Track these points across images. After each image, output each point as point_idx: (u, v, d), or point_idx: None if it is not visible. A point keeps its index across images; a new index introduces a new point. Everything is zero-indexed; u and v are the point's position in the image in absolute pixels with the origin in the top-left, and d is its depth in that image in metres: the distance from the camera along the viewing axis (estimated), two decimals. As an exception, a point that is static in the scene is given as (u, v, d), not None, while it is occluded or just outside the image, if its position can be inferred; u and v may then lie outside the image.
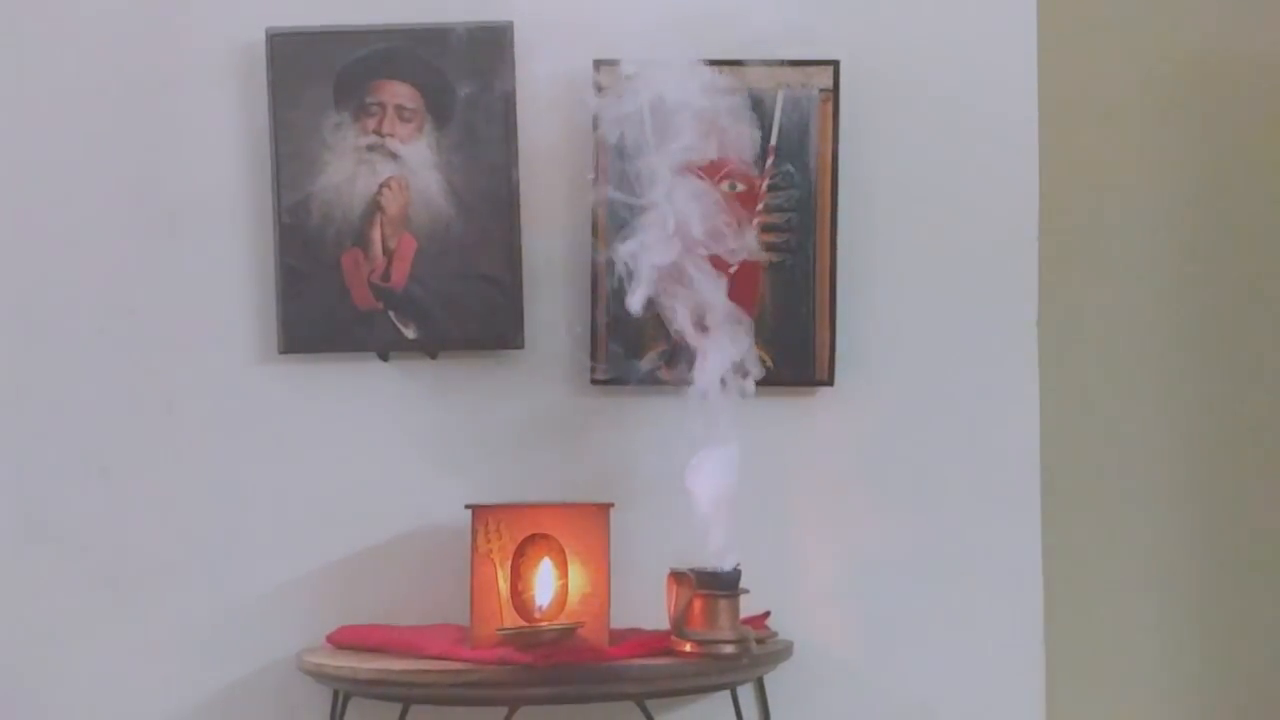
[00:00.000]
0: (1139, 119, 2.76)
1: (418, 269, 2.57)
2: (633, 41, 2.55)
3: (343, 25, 2.59)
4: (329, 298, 2.58)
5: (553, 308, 2.60)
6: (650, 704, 2.35)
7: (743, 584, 2.40)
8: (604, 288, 2.56)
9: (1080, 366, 2.73)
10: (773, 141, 2.57)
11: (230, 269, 2.62)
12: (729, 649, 2.35)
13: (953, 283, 2.61)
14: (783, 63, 2.57)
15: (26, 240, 2.64)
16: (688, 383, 2.47)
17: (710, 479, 2.42)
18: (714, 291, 2.48)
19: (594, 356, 2.58)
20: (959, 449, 2.59)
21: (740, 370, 2.46)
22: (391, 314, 2.58)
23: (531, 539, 2.39)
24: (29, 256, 2.63)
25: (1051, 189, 2.64)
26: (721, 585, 2.37)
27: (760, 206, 2.57)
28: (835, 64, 2.57)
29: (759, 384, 2.54)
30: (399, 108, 2.58)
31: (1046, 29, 2.62)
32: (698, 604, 2.36)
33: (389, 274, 2.58)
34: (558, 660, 2.30)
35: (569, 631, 2.33)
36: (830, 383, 2.57)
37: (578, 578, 2.38)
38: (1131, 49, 2.76)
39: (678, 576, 2.37)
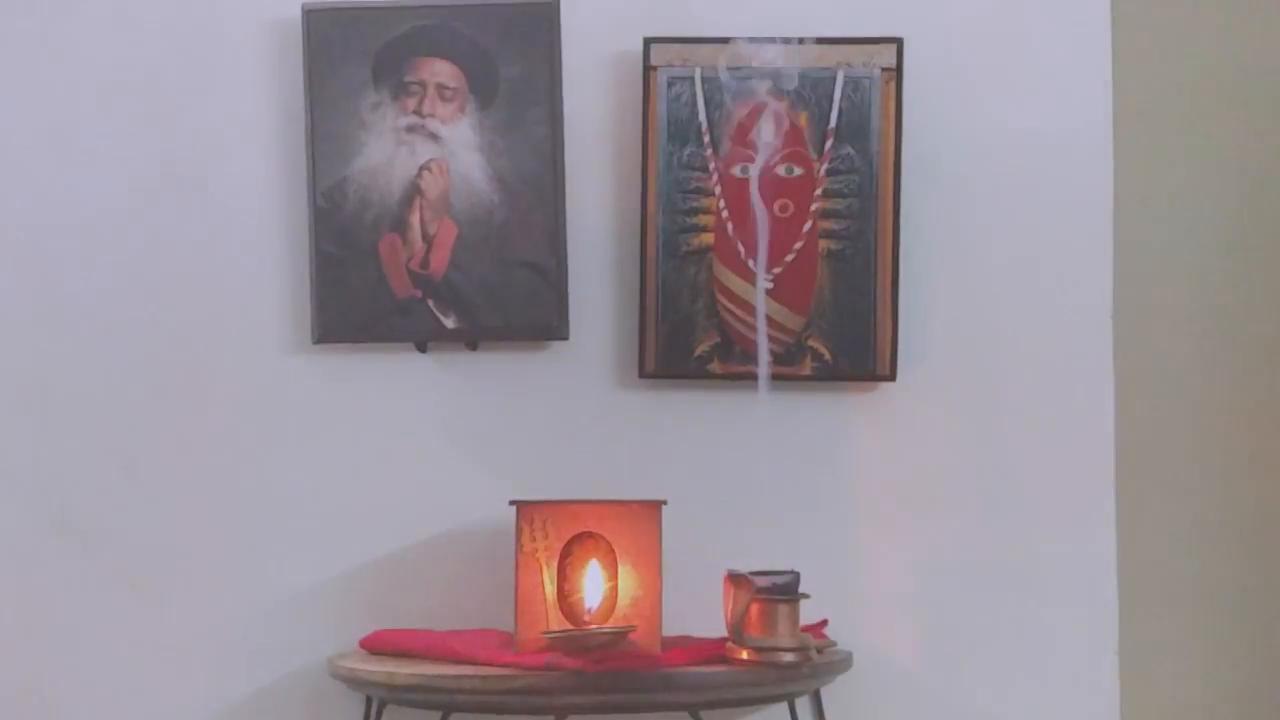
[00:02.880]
0: (1219, 101, 2.68)
1: (458, 256, 2.52)
2: (684, 19, 2.53)
3: (382, 1, 2.54)
4: (365, 285, 2.52)
5: (599, 297, 2.55)
6: (704, 714, 2.29)
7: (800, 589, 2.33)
8: (653, 276, 2.50)
9: (1158, 360, 2.64)
10: (832, 123, 2.51)
11: (262, 255, 2.57)
12: (789, 657, 2.29)
13: (1022, 272, 2.54)
14: (843, 40, 2.51)
15: (51, 224, 2.59)
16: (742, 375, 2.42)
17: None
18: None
19: (642, 348, 2.52)
20: (1028, 448, 2.52)
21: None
22: (430, 303, 2.52)
23: (579, 538, 2.34)
24: (53, 241, 2.59)
25: (1127, 172, 2.58)
26: (781, 590, 2.30)
27: (818, 192, 2.50)
28: (899, 41, 2.51)
29: (817, 379, 2.50)
30: (440, 87, 2.52)
31: (1121, 4, 2.56)
32: (756, 609, 2.30)
33: (428, 261, 2.52)
34: (609, 666, 2.24)
35: (621, 636, 2.28)
36: (892, 377, 2.51)
37: (628, 579, 2.33)
38: (1210, 26, 2.66)
39: (735, 579, 2.31)
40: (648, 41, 2.51)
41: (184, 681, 2.52)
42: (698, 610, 2.40)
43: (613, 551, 2.32)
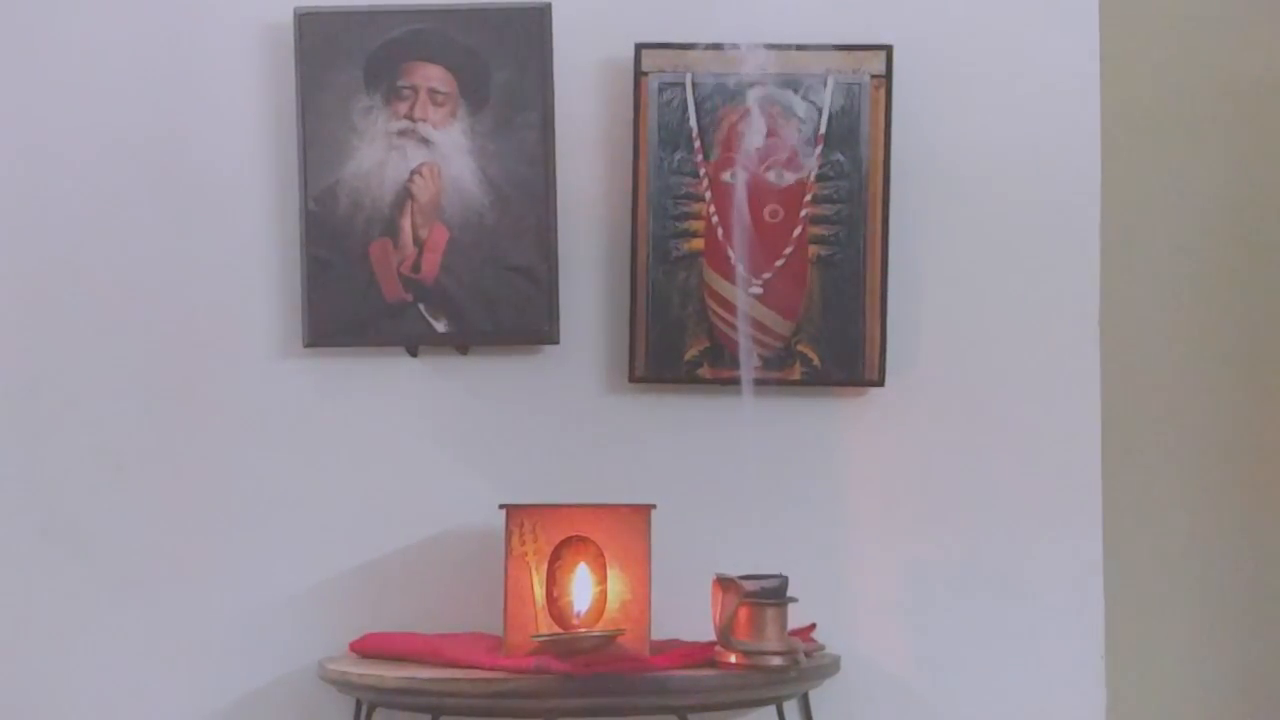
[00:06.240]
0: (1207, 110, 2.68)
1: (449, 260, 2.51)
2: (675, 24, 2.52)
3: (374, 5, 2.54)
4: (356, 289, 2.52)
5: (590, 301, 2.54)
6: (692, 718, 2.28)
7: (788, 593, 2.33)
8: (643, 281, 2.50)
9: (1144, 366, 2.64)
10: (821, 130, 2.51)
11: (254, 258, 2.56)
12: (777, 661, 2.29)
13: (1010, 278, 2.54)
14: (833, 47, 2.51)
15: (41, 227, 2.58)
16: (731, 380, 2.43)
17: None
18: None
19: (632, 353, 2.51)
20: (1016, 453, 2.52)
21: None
22: (421, 307, 2.52)
23: (568, 542, 2.34)
24: (44, 244, 2.58)
25: (1114, 179, 2.57)
26: (769, 594, 2.30)
27: (808, 198, 2.50)
28: (888, 48, 2.51)
29: (806, 384, 2.50)
30: (432, 91, 2.52)
31: (1109, 11, 2.56)
32: (744, 613, 2.30)
33: (419, 265, 2.52)
34: (597, 669, 2.24)
35: (609, 639, 2.27)
36: (881, 383, 2.51)
37: (617, 583, 2.32)
38: (1197, 35, 2.67)
39: (724, 583, 2.31)
40: (639, 47, 2.50)
41: (174, 684, 2.51)
42: (686, 614, 2.39)
43: (602, 555, 2.32)
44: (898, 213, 2.50)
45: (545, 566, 2.31)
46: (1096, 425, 2.52)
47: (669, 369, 2.50)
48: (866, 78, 2.50)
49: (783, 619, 2.30)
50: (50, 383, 2.56)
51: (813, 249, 2.50)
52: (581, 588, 2.31)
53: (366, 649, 2.43)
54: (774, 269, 2.50)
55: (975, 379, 2.52)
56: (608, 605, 2.30)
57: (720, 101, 2.50)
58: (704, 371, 2.50)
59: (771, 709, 2.41)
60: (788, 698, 2.41)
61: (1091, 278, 2.53)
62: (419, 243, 2.52)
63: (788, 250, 2.50)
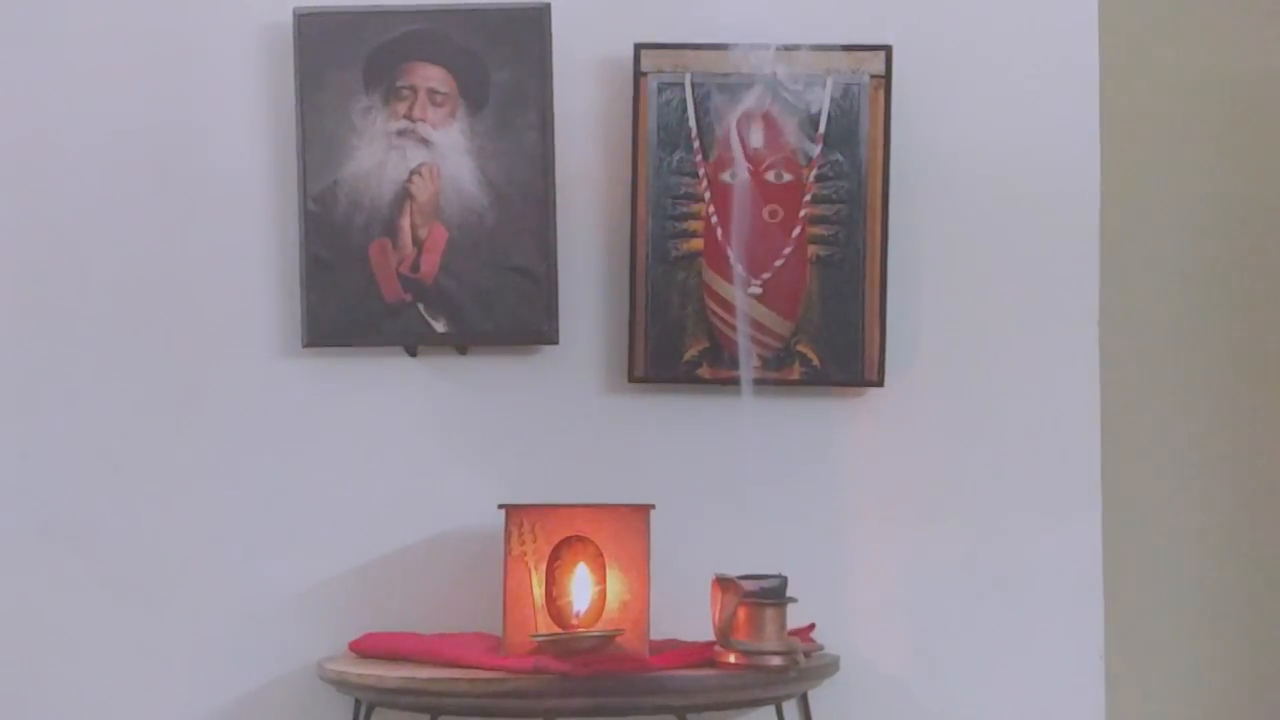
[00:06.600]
0: (1206, 110, 2.68)
1: (449, 260, 2.51)
2: (675, 25, 2.53)
3: (374, 5, 2.54)
4: (356, 289, 2.52)
5: (589, 302, 2.54)
6: (692, 718, 2.30)
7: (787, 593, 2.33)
8: (642, 281, 2.50)
9: (1143, 366, 2.64)
10: (821, 130, 2.51)
11: (253, 258, 2.56)
12: (776, 661, 2.29)
13: (1010, 279, 2.54)
14: (833, 47, 2.51)
15: (38, 226, 2.58)
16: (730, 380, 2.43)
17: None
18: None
19: (632, 353, 2.52)
20: (1016, 454, 2.52)
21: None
22: (420, 307, 2.52)
23: (567, 541, 2.34)
24: (41, 243, 2.58)
25: (1113, 181, 2.57)
26: (769, 594, 2.30)
27: (808, 198, 2.50)
28: (887, 49, 2.51)
29: (805, 384, 2.50)
30: (431, 91, 2.52)
31: (1109, 11, 2.56)
32: (743, 613, 2.30)
33: (418, 265, 2.52)
34: (596, 669, 2.24)
35: (608, 639, 2.27)
36: (880, 383, 2.51)
37: (616, 583, 2.32)
38: (1197, 35, 2.67)
39: (723, 583, 2.31)
40: (638, 47, 2.51)
41: (173, 685, 2.51)
42: (685, 614, 2.40)
43: (601, 555, 2.32)
44: (897, 213, 2.51)
45: (544, 566, 2.31)
46: (1096, 424, 2.51)
47: (668, 369, 2.50)
48: (866, 78, 2.50)
49: (782, 619, 2.30)
50: (50, 382, 2.55)
51: (812, 249, 2.51)
52: (580, 588, 2.31)
53: (366, 649, 2.43)
54: (773, 269, 2.50)
55: (975, 379, 2.53)
56: (607, 605, 2.31)
57: (719, 101, 2.50)
58: (703, 371, 2.50)
59: (771, 709, 2.41)
60: (787, 698, 2.40)
61: (1091, 277, 2.53)
62: (418, 243, 2.53)
63: (787, 250, 2.51)
